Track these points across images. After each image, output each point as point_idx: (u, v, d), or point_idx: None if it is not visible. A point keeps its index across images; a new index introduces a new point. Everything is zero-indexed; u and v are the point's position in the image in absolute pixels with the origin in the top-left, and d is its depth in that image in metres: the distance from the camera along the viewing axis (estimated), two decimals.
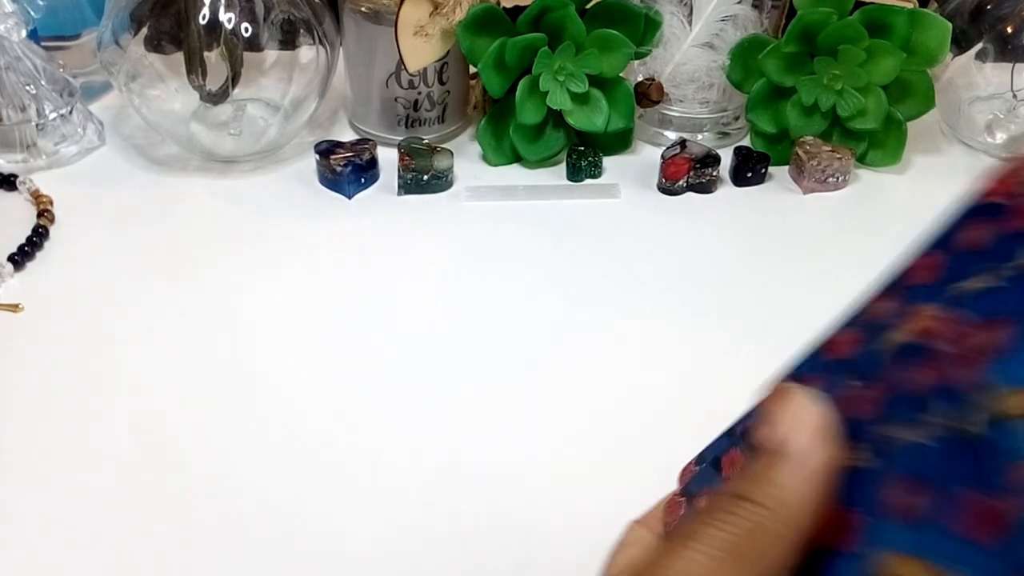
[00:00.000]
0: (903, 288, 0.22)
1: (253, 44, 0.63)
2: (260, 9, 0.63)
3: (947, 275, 0.21)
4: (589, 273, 0.58)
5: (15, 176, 0.64)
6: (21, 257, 0.57)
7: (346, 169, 0.64)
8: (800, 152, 0.66)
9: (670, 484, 0.46)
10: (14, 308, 0.54)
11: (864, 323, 0.23)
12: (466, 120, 0.73)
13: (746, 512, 0.20)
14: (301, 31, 0.65)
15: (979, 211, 0.21)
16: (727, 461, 0.26)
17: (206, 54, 0.62)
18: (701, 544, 0.20)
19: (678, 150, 0.65)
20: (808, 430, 0.21)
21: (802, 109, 0.67)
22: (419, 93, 0.68)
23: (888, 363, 0.21)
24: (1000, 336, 0.18)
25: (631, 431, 0.48)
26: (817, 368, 0.24)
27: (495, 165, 0.68)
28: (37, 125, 0.66)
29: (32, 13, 0.65)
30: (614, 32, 0.64)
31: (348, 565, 0.41)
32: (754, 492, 0.21)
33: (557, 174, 0.68)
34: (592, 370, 0.51)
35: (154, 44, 0.63)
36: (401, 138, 0.66)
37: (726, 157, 0.67)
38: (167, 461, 0.45)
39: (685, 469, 0.28)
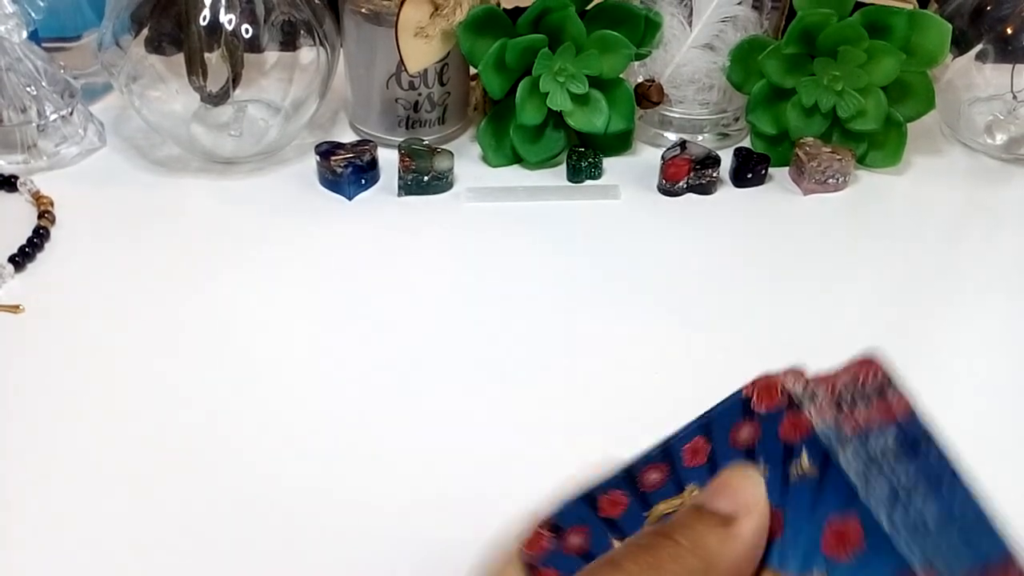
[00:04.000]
0: (675, 465, 0.26)
1: (254, 45, 0.63)
2: (260, 10, 0.63)
3: (716, 461, 0.25)
4: (589, 274, 0.58)
5: (16, 177, 0.64)
6: (22, 258, 0.57)
7: (346, 170, 0.64)
8: (800, 153, 0.66)
9: None
10: (14, 309, 0.54)
11: (633, 489, 0.26)
12: (466, 121, 0.73)
13: (672, 552, 0.22)
14: (302, 32, 0.65)
15: (746, 411, 0.25)
16: (606, 501, 0.27)
17: (207, 55, 0.62)
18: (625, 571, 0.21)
19: (678, 151, 0.65)
20: (748, 502, 0.23)
21: (802, 110, 0.67)
22: (419, 94, 0.68)
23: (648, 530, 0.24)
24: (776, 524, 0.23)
25: (631, 431, 0.47)
26: (583, 519, 0.27)
27: (495, 166, 0.68)
28: (38, 126, 0.66)
29: (33, 14, 0.65)
30: (614, 33, 0.64)
31: (350, 564, 0.41)
32: (683, 535, 0.22)
33: (557, 175, 0.68)
34: (592, 370, 0.51)
35: (155, 45, 0.63)
36: (401, 139, 0.66)
37: (726, 158, 0.67)
38: (168, 461, 0.45)
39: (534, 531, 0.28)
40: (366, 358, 0.52)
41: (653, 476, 0.26)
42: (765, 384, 0.24)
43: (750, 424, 0.24)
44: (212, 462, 0.45)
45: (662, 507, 0.25)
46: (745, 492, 0.23)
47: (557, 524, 0.27)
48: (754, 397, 0.24)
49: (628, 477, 0.26)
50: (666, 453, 0.26)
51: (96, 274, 0.58)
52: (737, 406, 0.25)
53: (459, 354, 0.52)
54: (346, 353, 0.52)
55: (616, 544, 0.25)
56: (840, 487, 0.22)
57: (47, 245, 0.59)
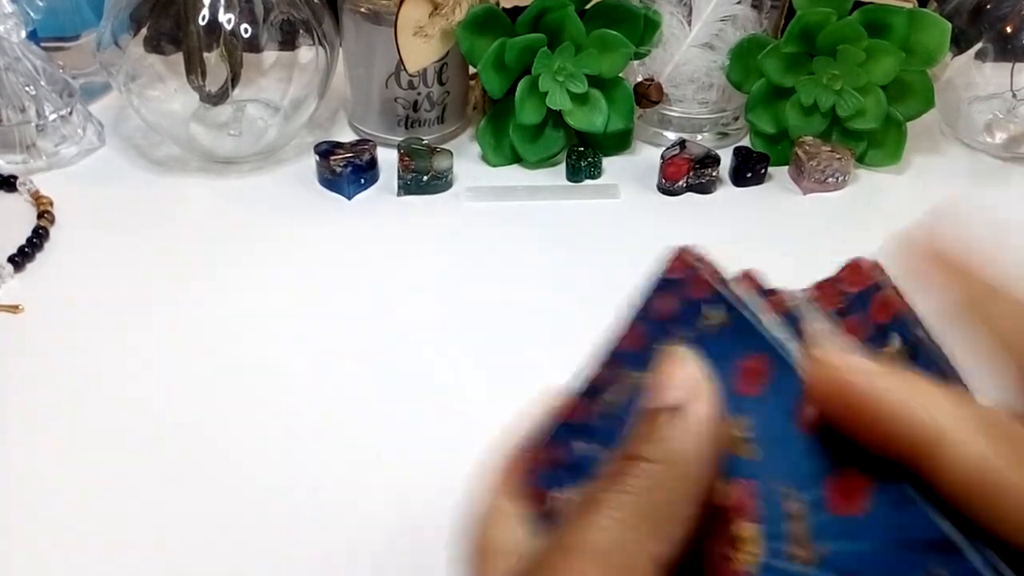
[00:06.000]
0: (614, 355, 0.27)
1: (253, 45, 0.63)
2: (260, 10, 0.63)
3: (648, 341, 0.25)
4: (589, 273, 0.58)
5: (15, 177, 0.64)
6: (21, 258, 0.57)
7: (346, 170, 0.64)
8: (800, 152, 0.66)
9: None
10: (14, 309, 0.54)
11: (588, 389, 0.27)
12: (466, 120, 0.73)
13: (643, 472, 0.21)
14: (301, 32, 0.65)
15: (664, 286, 0.27)
16: (567, 409, 0.28)
17: (206, 55, 0.62)
18: (606, 510, 0.21)
19: (678, 150, 0.65)
20: (690, 384, 0.22)
21: (801, 109, 0.67)
22: (419, 94, 0.68)
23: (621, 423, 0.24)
24: None
25: None
26: (560, 436, 0.27)
27: (495, 165, 0.68)
28: (37, 126, 0.66)
29: (32, 14, 0.65)
30: (613, 32, 0.64)
31: (348, 562, 0.41)
32: (647, 451, 0.21)
33: (557, 174, 0.68)
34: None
35: (154, 45, 0.63)
36: (401, 139, 0.66)
37: (726, 157, 0.67)
38: (167, 460, 0.45)
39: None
40: (365, 357, 0.52)
41: (603, 374, 0.27)
42: (672, 255, 0.27)
43: (668, 296, 0.26)
44: (212, 460, 0.45)
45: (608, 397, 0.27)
46: (683, 375, 0.22)
47: (535, 446, 0.28)
48: (666, 266, 0.27)
49: (590, 389, 0.28)
50: (608, 352, 0.27)
51: (95, 274, 0.57)
52: (656, 283, 0.27)
53: (458, 353, 0.52)
54: (345, 352, 0.52)
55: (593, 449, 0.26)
56: (744, 331, 0.23)
57: (46, 245, 0.59)
